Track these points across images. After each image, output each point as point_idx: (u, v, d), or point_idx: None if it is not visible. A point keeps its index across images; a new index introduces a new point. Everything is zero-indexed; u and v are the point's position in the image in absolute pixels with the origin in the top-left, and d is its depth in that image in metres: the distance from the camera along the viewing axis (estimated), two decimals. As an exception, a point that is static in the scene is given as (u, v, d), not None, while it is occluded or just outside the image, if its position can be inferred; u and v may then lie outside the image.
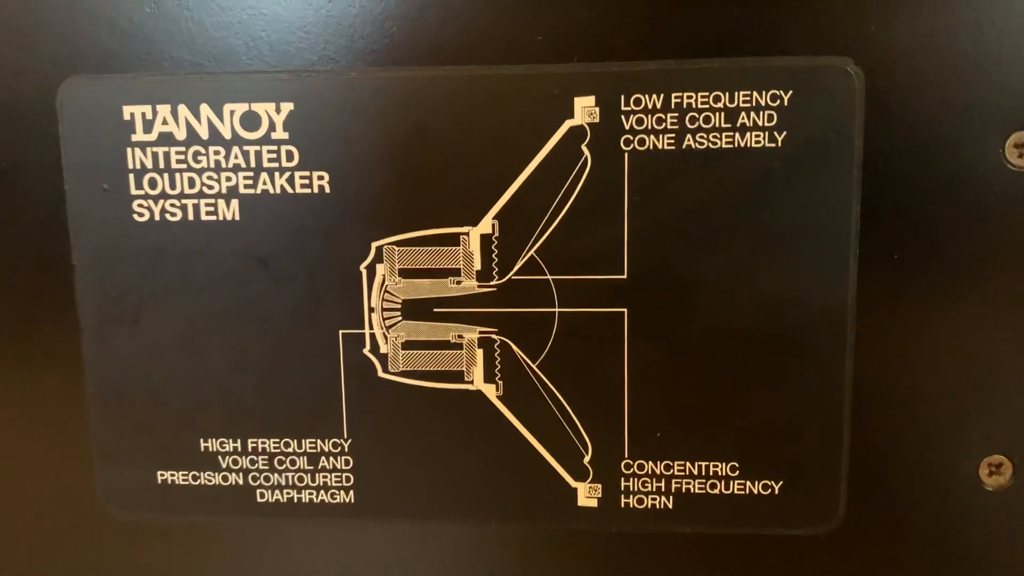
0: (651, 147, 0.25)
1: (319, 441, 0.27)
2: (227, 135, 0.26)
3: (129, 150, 0.26)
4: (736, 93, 0.25)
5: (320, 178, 0.26)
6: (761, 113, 0.25)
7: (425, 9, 0.25)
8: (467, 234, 0.26)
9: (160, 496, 0.27)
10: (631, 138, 0.25)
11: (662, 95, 0.25)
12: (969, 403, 0.26)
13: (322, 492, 0.27)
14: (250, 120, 0.26)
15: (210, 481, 0.27)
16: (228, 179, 0.26)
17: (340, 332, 0.26)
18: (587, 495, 0.27)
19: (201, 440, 0.27)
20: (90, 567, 0.29)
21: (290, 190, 0.26)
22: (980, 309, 0.25)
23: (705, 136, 0.25)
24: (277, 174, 0.26)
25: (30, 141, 0.26)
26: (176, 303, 0.27)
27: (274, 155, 0.26)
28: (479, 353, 0.27)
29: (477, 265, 0.26)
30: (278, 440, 0.27)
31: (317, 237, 0.26)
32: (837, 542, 0.27)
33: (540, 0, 0.25)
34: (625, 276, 0.26)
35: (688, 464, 0.27)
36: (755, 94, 0.24)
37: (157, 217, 0.26)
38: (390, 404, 0.27)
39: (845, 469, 0.26)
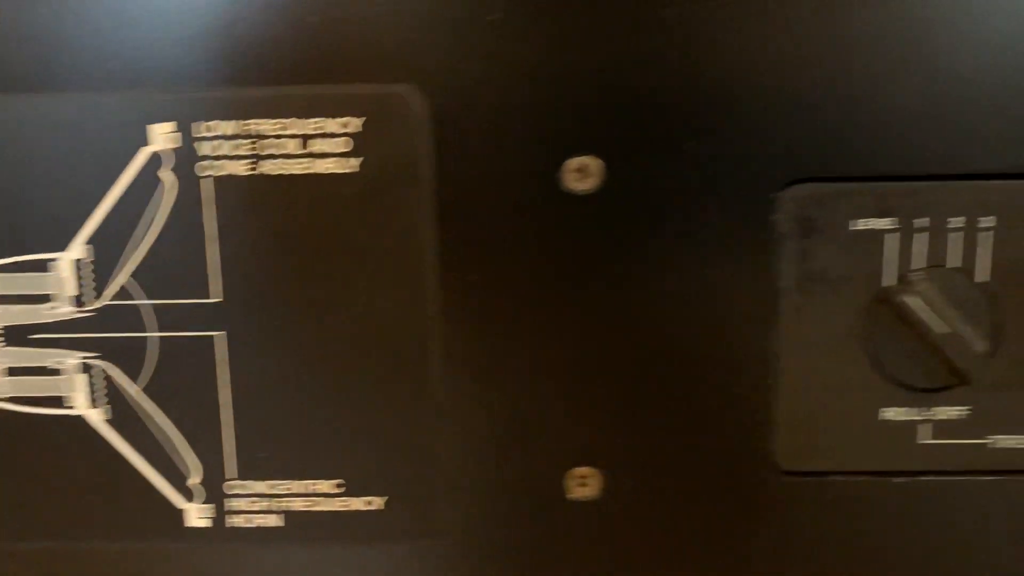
0: (230, 173, 0.25)
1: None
2: None
3: None
4: (309, 120, 0.25)
5: (-89, 205, 0.26)
6: (334, 139, 0.25)
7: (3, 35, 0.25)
8: (58, 259, 0.26)
9: None
10: (209, 164, 0.25)
11: (237, 122, 0.25)
12: (555, 415, 0.26)
13: (-72, 520, 0.27)
14: None
15: None
16: None
17: (-70, 360, 0.26)
18: (197, 515, 0.27)
19: None
20: None
21: None
22: (552, 327, 0.26)
23: (280, 162, 0.25)
24: None
25: None
26: None
27: None
28: (81, 378, 0.27)
29: (72, 290, 0.26)
30: None
31: (-91, 264, 0.26)
32: (444, 556, 0.27)
33: (118, 26, 0.25)
34: (221, 299, 0.26)
35: (294, 482, 0.27)
36: (328, 121, 0.25)
37: None
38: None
39: (446, 484, 0.27)
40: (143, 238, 0.26)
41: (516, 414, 0.27)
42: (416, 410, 0.26)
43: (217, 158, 0.25)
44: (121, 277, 0.26)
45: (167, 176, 0.25)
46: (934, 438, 0.26)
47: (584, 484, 0.27)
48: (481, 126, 0.25)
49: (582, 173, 0.25)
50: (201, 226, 0.26)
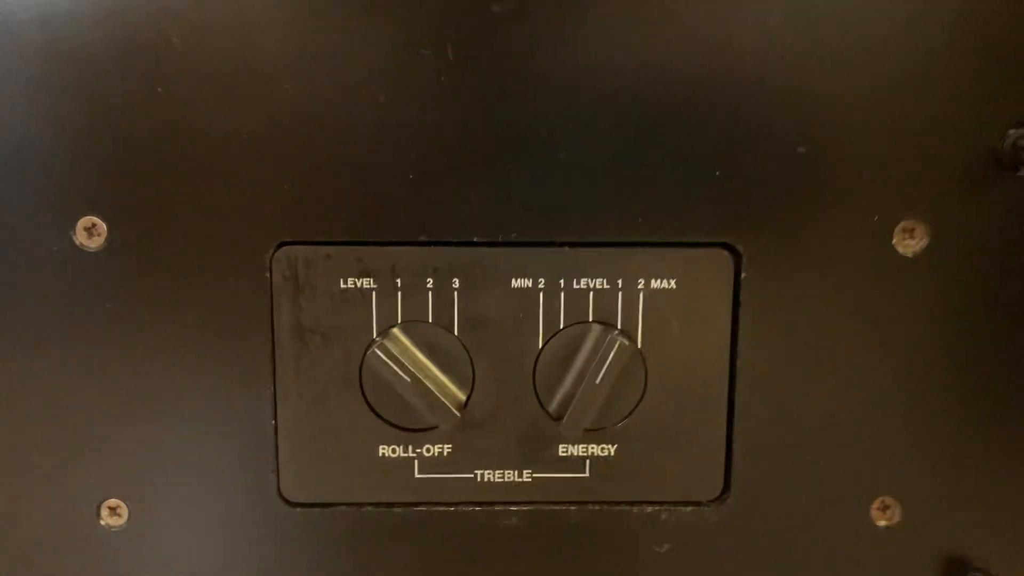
0: None
1: None
2: None
3: None
4: None
5: None
6: None
7: None
8: None
9: None
10: None
11: None
12: (87, 450, 0.29)
13: None
14: None
15: None
16: None
17: None
18: None
19: None
20: None
21: None
22: (72, 369, 0.28)
23: None
24: None
25: None
26: None
27: None
28: None
29: None
30: None
31: None
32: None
33: None
34: None
35: None
36: None
37: None
38: None
39: (-14, 514, 0.29)
40: None
41: (48, 449, 0.29)
42: (-48, 446, 0.29)
43: None
44: None
45: None
46: (426, 473, 0.29)
47: (116, 514, 0.29)
48: (-2, 184, 0.27)
49: (90, 232, 0.27)
50: None
